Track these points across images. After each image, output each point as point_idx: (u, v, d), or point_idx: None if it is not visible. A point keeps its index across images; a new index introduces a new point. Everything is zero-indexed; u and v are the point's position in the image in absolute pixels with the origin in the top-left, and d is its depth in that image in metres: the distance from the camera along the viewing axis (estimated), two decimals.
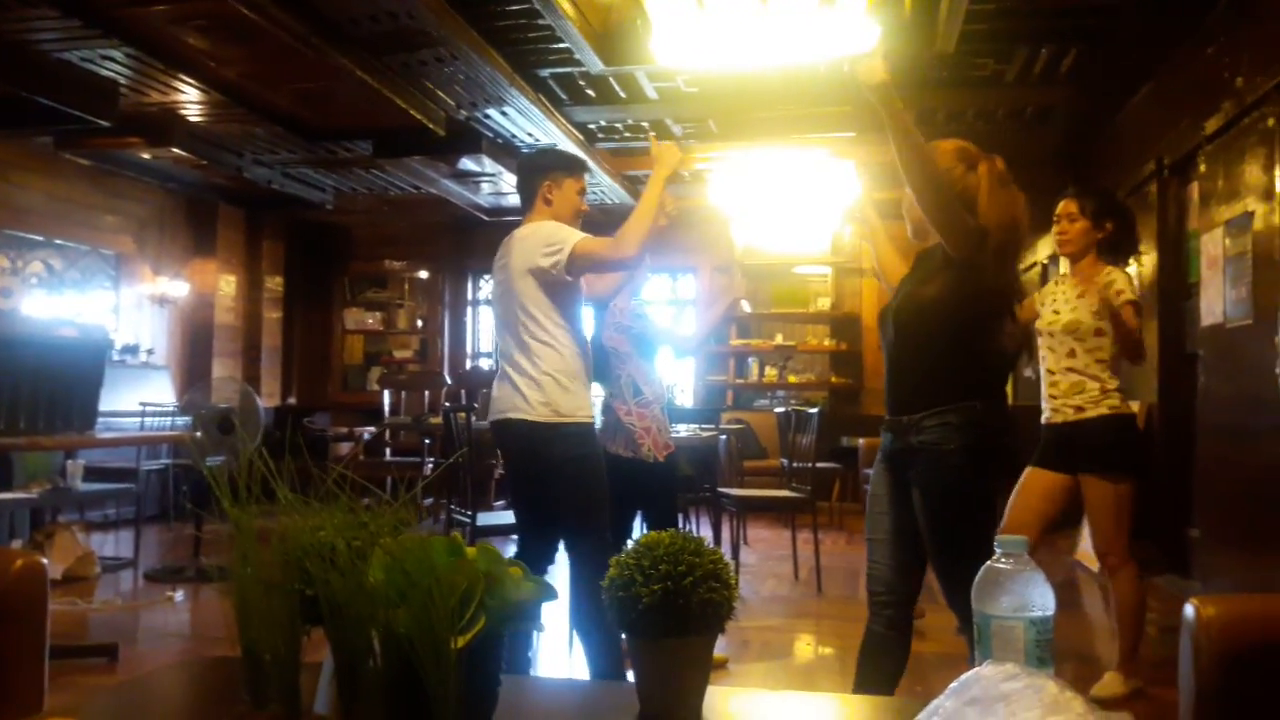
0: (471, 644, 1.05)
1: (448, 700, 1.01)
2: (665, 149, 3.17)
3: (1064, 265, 3.76)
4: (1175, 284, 5.55)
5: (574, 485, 3.05)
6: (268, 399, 9.51)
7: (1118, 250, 3.49)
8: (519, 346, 3.09)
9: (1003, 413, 2.49)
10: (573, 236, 3.00)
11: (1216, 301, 4.67)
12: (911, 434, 2.39)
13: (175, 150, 6.79)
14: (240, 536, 1.12)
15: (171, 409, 6.94)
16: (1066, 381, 3.40)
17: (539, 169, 3.23)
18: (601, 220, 8.65)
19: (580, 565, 3.05)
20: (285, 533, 1.13)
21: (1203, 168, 4.99)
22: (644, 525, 3.83)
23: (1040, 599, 0.95)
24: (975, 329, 2.40)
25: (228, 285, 9.48)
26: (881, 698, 2.06)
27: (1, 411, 3.43)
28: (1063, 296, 3.49)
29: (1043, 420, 3.54)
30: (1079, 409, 3.36)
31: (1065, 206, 3.58)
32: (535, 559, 3.14)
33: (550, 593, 1.13)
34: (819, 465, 5.64)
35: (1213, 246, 4.73)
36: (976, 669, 0.89)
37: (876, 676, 2.49)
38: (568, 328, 3.09)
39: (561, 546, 3.23)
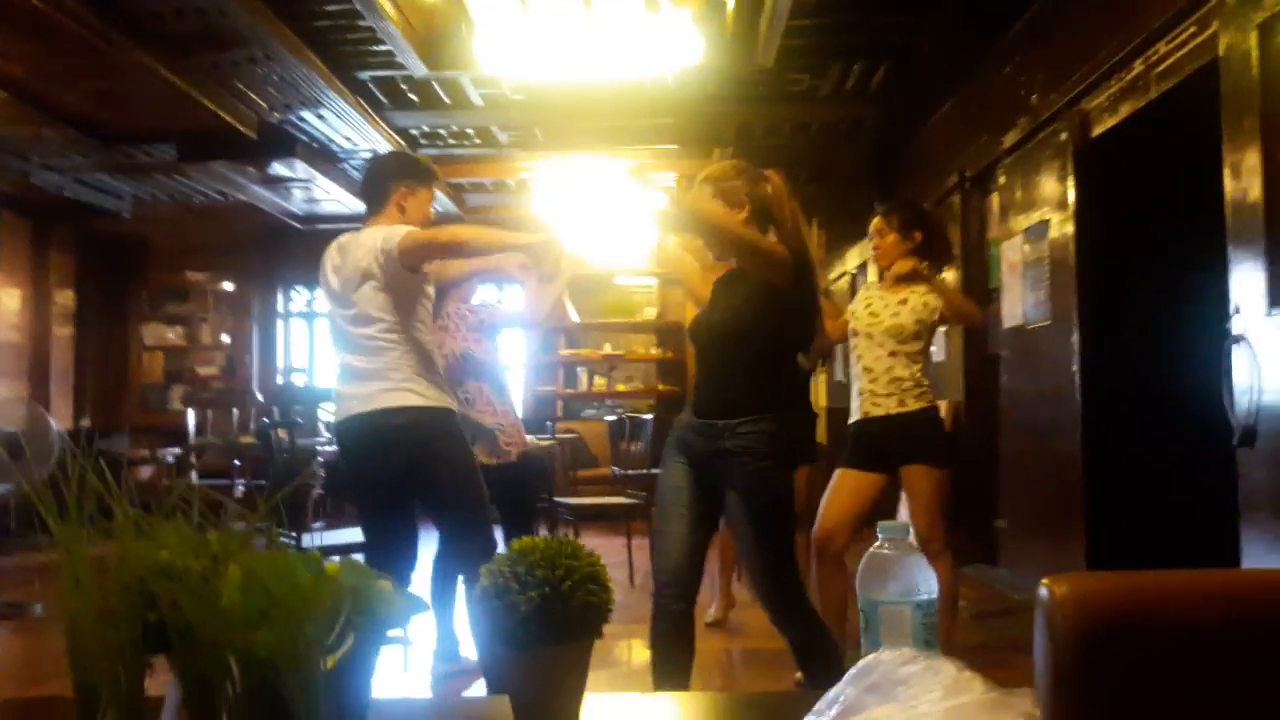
0: (339, 664, 0.97)
1: None
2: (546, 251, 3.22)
3: (871, 273, 3.97)
4: (978, 290, 5.88)
5: (465, 474, 3.00)
6: (59, 421, 8.79)
7: (931, 256, 3.67)
8: (367, 350, 2.98)
9: (810, 419, 2.69)
10: (399, 231, 2.95)
11: (1017, 305, 4.99)
12: (725, 438, 2.53)
13: None
14: (70, 558, 1.00)
15: None
16: (887, 378, 3.54)
17: (394, 174, 3.15)
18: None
19: (471, 561, 2.94)
20: (124, 553, 1.01)
21: (1001, 179, 5.32)
22: (503, 531, 3.70)
23: (925, 582, 0.96)
24: (785, 344, 2.61)
25: (11, 300, 8.71)
26: (774, 692, 2.12)
27: None
28: (881, 301, 3.63)
29: (856, 418, 3.66)
30: (901, 402, 3.51)
31: (875, 224, 3.75)
32: (396, 570, 3.02)
33: (420, 605, 1.06)
34: (649, 471, 5.70)
35: (1012, 253, 5.06)
36: (873, 655, 0.88)
37: (675, 667, 2.60)
38: (414, 329, 3.02)
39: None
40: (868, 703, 0.86)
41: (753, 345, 2.57)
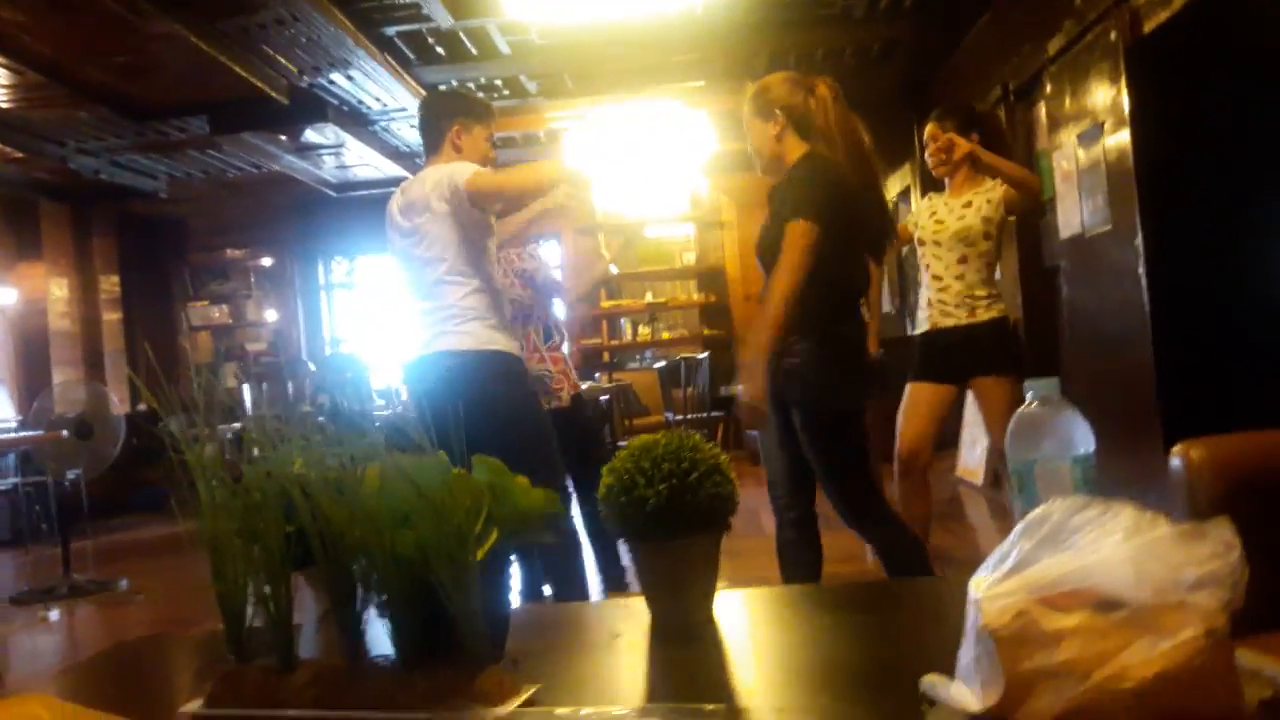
0: (483, 563, 0.96)
1: (474, 620, 0.92)
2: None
3: (913, 199, 3.89)
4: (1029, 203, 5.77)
5: (525, 418, 2.98)
6: (116, 407, 8.93)
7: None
8: (430, 290, 2.97)
9: (861, 335, 2.65)
10: (465, 171, 2.88)
11: (1074, 214, 4.87)
12: (784, 357, 2.56)
13: None
14: (205, 477, 0.99)
15: (14, 424, 6.42)
16: (959, 285, 3.48)
17: (447, 112, 3.09)
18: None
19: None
20: (257, 468, 1.01)
21: (1048, 88, 5.18)
22: (571, 479, 3.65)
23: (1082, 436, 0.93)
24: (825, 261, 2.55)
25: (59, 289, 8.82)
26: (915, 579, 2.15)
27: None
28: (945, 207, 3.57)
29: (925, 329, 3.61)
30: (971, 312, 3.45)
31: (930, 130, 3.68)
32: None
33: (561, 503, 1.05)
34: (709, 414, 5.67)
35: (1065, 162, 4.93)
36: (1041, 506, 0.85)
37: (799, 572, 2.68)
38: (481, 268, 2.99)
39: None
40: (1040, 555, 0.83)
41: None
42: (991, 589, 0.81)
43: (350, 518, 0.97)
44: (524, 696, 0.90)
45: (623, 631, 1.10)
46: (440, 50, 6.07)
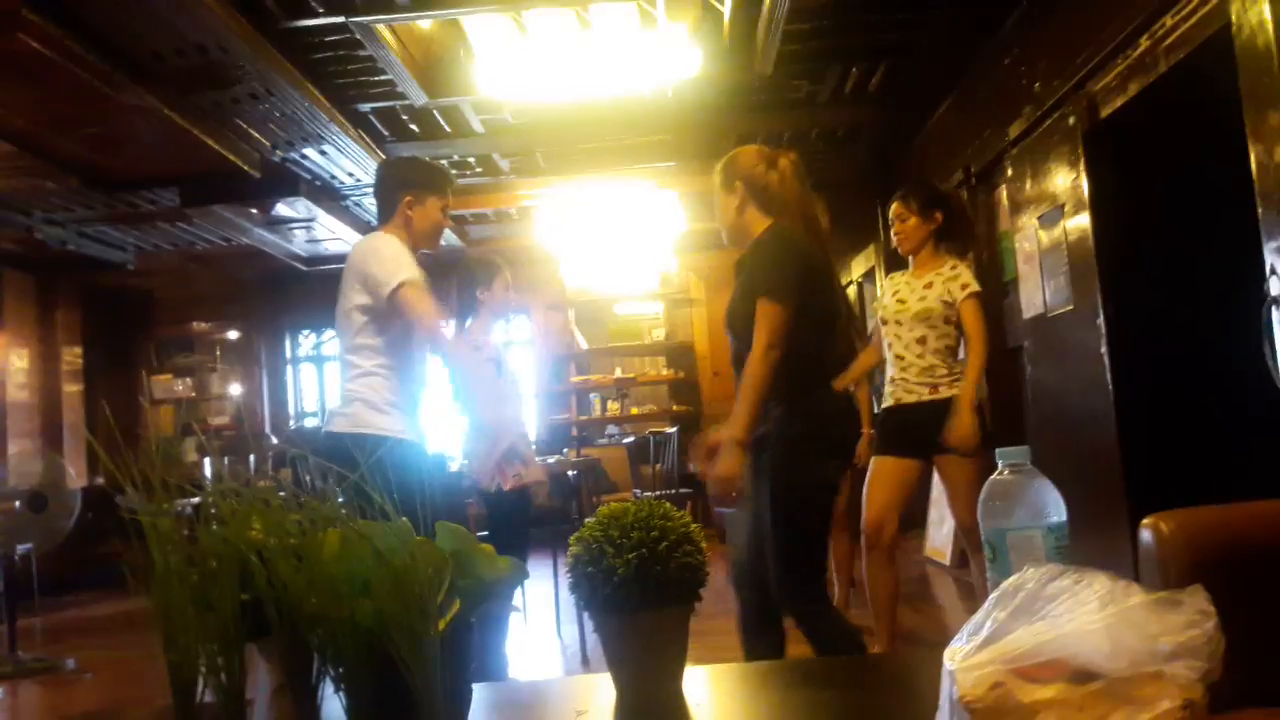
0: (445, 633, 0.93)
1: (433, 695, 0.89)
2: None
3: (878, 280, 3.95)
4: (992, 284, 5.85)
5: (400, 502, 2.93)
6: (73, 480, 8.73)
7: (954, 237, 3.66)
8: (341, 367, 3.00)
9: (834, 402, 2.62)
10: (396, 278, 2.85)
11: (1036, 294, 4.94)
12: (760, 424, 2.58)
13: None
14: (159, 542, 0.96)
15: None
16: (920, 364, 3.51)
17: (401, 183, 3.09)
18: (425, 264, 8.43)
19: None
20: (212, 535, 0.98)
21: (1009, 171, 5.30)
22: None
23: (1054, 505, 0.92)
24: (794, 333, 2.56)
25: (20, 360, 8.69)
26: (875, 654, 2.09)
27: None
28: (908, 287, 3.62)
29: (889, 404, 3.63)
30: (933, 388, 3.47)
31: (895, 209, 3.75)
32: None
33: (524, 572, 1.02)
34: (677, 491, 5.63)
35: (1027, 243, 5.02)
36: (1015, 575, 0.84)
37: (760, 652, 2.64)
38: (390, 348, 2.94)
39: None
40: (1015, 625, 0.81)
41: (750, 329, 2.58)
42: (966, 660, 0.80)
43: (308, 585, 0.94)
44: None
45: (586, 709, 1.07)
46: (414, 127, 6.13)
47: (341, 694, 0.92)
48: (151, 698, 1.05)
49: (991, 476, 0.97)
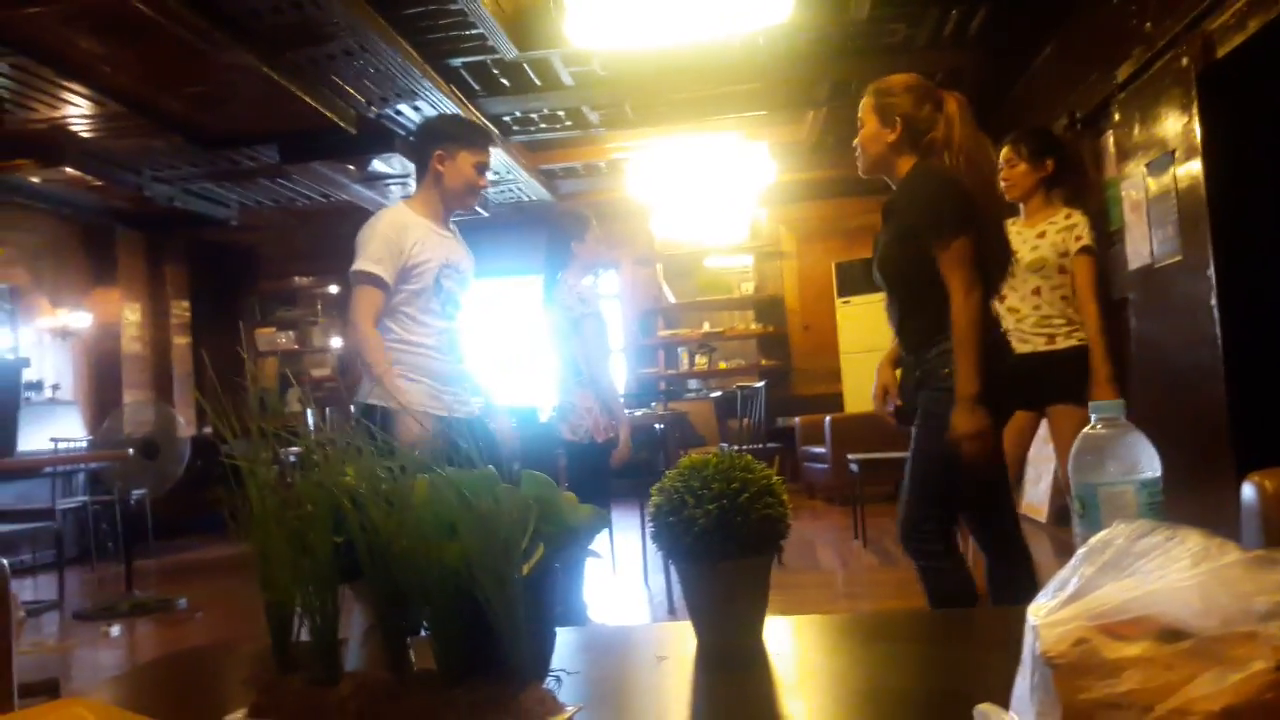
0: (530, 578, 0.95)
1: (517, 637, 0.91)
2: None
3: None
4: (1097, 234, 5.65)
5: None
6: (182, 429, 9.13)
7: (1062, 184, 3.56)
8: None
9: (999, 342, 2.58)
10: (355, 263, 2.90)
11: (1143, 244, 4.76)
12: (917, 368, 2.55)
13: (69, 171, 6.46)
14: (257, 485, 1.00)
15: (85, 443, 6.59)
16: (1034, 316, 3.46)
17: (431, 136, 3.03)
18: (516, 219, 8.52)
19: None
20: (316, 476, 1.01)
21: (1117, 116, 5.09)
22: None
23: (1148, 460, 0.89)
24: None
25: (132, 314, 9.08)
26: (961, 610, 2.07)
27: None
28: (1019, 236, 3.54)
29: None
30: (1049, 339, 3.42)
31: (1004, 154, 3.66)
32: None
33: (605, 520, 1.04)
34: (764, 445, 5.63)
35: (1134, 191, 4.83)
36: (1104, 531, 0.82)
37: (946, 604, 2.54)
38: (393, 322, 2.96)
39: None
40: (1103, 582, 0.80)
41: (910, 274, 2.53)
42: (1050, 615, 0.78)
43: (398, 528, 0.97)
44: (565, 716, 0.89)
45: (669, 654, 1.09)
46: (504, 81, 6.16)
47: (430, 635, 0.95)
48: (257, 635, 1.10)
49: (1084, 430, 0.94)
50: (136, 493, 5.70)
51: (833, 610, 2.98)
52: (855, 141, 2.67)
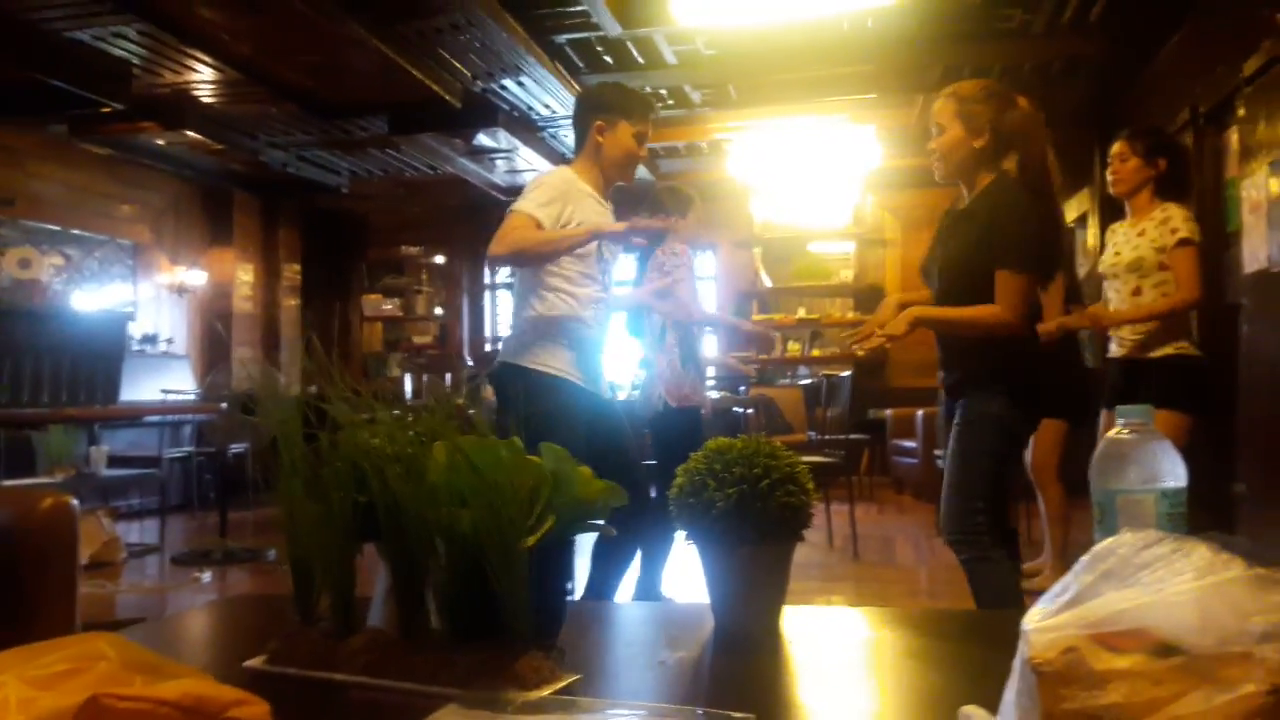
0: (540, 548, 0.97)
1: (519, 604, 0.93)
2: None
3: (1090, 226, 3.78)
4: (1212, 234, 5.40)
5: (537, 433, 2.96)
6: (289, 387, 9.46)
7: (1171, 188, 3.45)
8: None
9: (1037, 353, 2.61)
10: (523, 200, 2.83)
11: (1260, 247, 4.53)
12: (956, 372, 2.59)
13: (190, 134, 6.74)
14: (286, 442, 1.03)
15: (193, 396, 6.89)
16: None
17: (593, 105, 3.02)
18: (615, 197, 8.52)
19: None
20: (338, 439, 1.05)
21: (1241, 112, 4.83)
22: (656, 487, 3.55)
23: (1171, 468, 0.86)
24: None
25: (245, 274, 9.44)
26: (975, 611, 2.05)
27: (24, 386, 3.38)
28: (1123, 237, 3.47)
29: (1109, 355, 3.55)
30: (1144, 346, 3.35)
31: (1118, 148, 3.58)
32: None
33: (621, 495, 1.04)
34: (848, 436, 5.55)
35: (1255, 191, 4.59)
36: (1110, 539, 0.79)
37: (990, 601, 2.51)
38: (537, 285, 2.94)
39: None
40: (1101, 590, 0.77)
41: (974, 281, 2.50)
42: (1043, 621, 0.76)
43: (415, 493, 0.99)
44: (560, 684, 0.90)
45: (681, 634, 1.09)
46: (608, 59, 6.17)
47: (437, 597, 0.97)
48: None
49: (1108, 434, 0.91)
50: (236, 447, 5.94)
51: (913, 605, 2.96)
52: (931, 146, 2.62)
